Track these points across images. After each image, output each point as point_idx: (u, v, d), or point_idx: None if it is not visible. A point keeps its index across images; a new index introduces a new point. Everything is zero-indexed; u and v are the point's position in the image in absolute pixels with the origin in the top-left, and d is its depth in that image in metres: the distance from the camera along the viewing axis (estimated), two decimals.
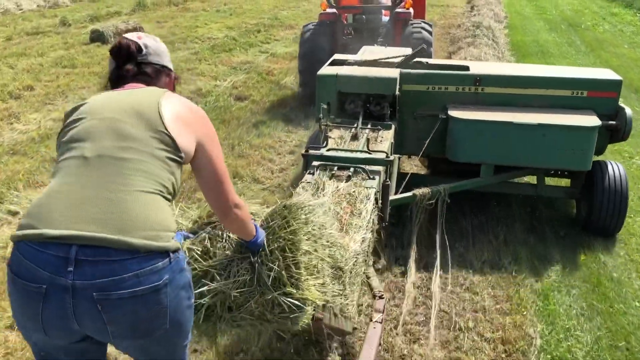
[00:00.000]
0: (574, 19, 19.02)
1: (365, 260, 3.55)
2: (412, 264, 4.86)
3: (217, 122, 8.63)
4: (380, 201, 3.97)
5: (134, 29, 14.83)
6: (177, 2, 21.53)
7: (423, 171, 6.81)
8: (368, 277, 3.90)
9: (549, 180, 5.95)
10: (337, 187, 3.75)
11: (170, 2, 21.37)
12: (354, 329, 3.52)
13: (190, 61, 12.47)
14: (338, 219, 3.35)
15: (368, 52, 6.58)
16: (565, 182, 6.13)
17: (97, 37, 14.21)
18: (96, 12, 18.25)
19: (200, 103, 9.55)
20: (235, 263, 2.55)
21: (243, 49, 13.77)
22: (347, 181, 3.88)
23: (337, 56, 6.25)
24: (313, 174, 3.99)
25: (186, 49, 13.73)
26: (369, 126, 4.93)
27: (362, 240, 3.31)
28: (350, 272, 3.08)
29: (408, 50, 6.57)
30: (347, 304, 3.03)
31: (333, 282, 2.86)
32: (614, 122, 5.25)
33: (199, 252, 2.57)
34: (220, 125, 8.52)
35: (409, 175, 5.42)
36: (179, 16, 18.53)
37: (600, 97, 5.28)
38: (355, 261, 3.18)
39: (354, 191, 3.73)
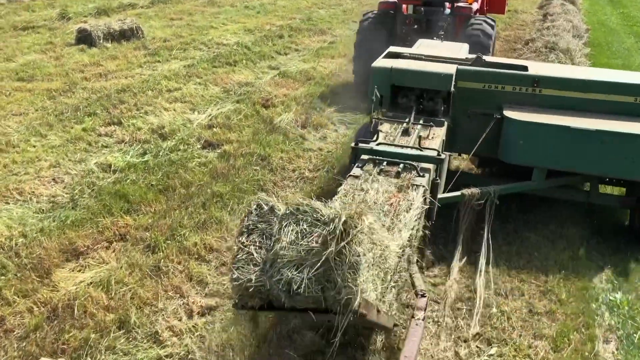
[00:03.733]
0: None
1: (410, 259, 3.54)
2: (455, 265, 4.69)
3: (153, 191, 5.79)
4: (428, 199, 3.83)
5: (130, 30, 12.17)
6: None
7: (473, 169, 6.43)
8: (412, 275, 3.78)
9: (603, 188, 5.76)
10: (386, 182, 3.70)
11: None
12: (395, 325, 3.43)
13: (177, 77, 9.67)
14: (385, 215, 3.35)
15: (424, 45, 6.35)
16: (620, 190, 5.79)
17: (84, 39, 11.58)
18: (107, 3, 15.71)
19: (150, 153, 6.73)
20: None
21: (251, 62, 10.85)
22: (396, 177, 3.80)
23: (392, 48, 6.03)
24: (361, 167, 3.93)
25: (182, 59, 10.93)
26: (421, 122, 4.78)
27: (408, 238, 3.26)
28: (394, 271, 3.09)
29: (465, 46, 6.38)
30: (390, 301, 3.09)
31: (379, 281, 2.85)
32: None
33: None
34: (157, 196, 5.69)
35: (458, 173, 4.96)
36: (198, 12, 15.77)
37: None
38: (400, 259, 3.16)
39: (402, 188, 3.63)
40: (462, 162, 6.45)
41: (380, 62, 5.38)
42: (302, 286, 2.55)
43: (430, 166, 4.02)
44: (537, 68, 5.55)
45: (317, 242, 2.60)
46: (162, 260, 4.69)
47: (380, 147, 4.18)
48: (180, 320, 4.09)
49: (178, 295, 4.35)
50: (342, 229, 2.58)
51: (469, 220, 4.95)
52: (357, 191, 3.62)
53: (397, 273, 3.17)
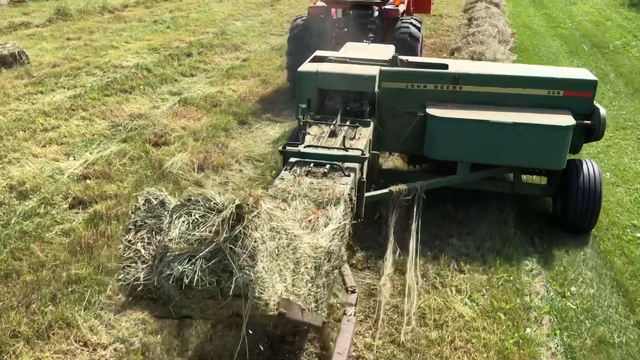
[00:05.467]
0: (597, 35, 14.71)
1: (339, 256, 3.47)
2: (388, 258, 4.61)
3: None
4: (355, 198, 3.86)
5: (12, 55, 10.53)
6: (113, 9, 17.13)
7: (405, 166, 6.49)
8: (342, 273, 3.80)
9: (527, 178, 5.92)
10: (312, 183, 3.69)
11: (104, 8, 16.96)
12: (324, 323, 3.41)
13: (59, 112, 8.19)
14: (311, 216, 3.27)
15: (351, 48, 6.42)
16: (543, 179, 5.94)
17: None
18: None
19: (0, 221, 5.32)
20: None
21: (150, 88, 9.46)
22: (322, 178, 3.81)
23: (318, 52, 6.10)
24: (289, 170, 3.93)
25: (70, 88, 9.43)
26: (348, 123, 4.79)
27: (334, 237, 3.20)
28: (321, 269, 3.03)
29: (391, 47, 6.46)
30: (317, 299, 2.98)
31: (288, 272, 2.70)
32: (589, 122, 5.17)
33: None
34: None
35: (386, 172, 5.36)
36: (101, 29, 14.18)
37: (576, 96, 5.17)
38: (327, 258, 3.10)
39: (328, 188, 3.61)
40: (395, 160, 6.60)
41: (306, 67, 5.42)
42: (195, 279, 2.33)
43: (356, 165, 4.01)
44: (456, 66, 5.63)
45: (210, 231, 2.42)
46: None
47: (307, 149, 4.18)
48: None
49: None
50: (235, 213, 2.41)
51: (399, 215, 4.89)
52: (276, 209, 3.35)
53: (316, 269, 2.99)
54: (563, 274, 4.70)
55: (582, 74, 5.41)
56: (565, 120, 4.92)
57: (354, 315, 3.45)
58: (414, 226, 4.77)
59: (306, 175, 3.83)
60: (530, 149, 4.89)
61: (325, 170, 3.87)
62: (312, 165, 3.95)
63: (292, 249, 2.74)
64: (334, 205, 3.44)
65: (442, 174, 5.34)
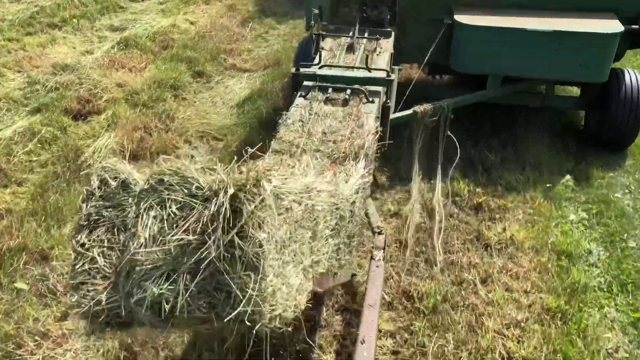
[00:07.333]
0: None
1: (364, 196, 3.01)
2: (414, 187, 4.28)
3: None
4: (379, 125, 3.39)
5: None
6: None
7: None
8: (367, 212, 3.39)
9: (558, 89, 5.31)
10: (325, 134, 3.08)
11: None
12: (353, 275, 3.20)
13: None
14: (335, 152, 2.89)
15: None
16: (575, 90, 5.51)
17: None
18: None
19: None
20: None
21: (86, 21, 7.33)
22: (344, 106, 3.37)
23: None
24: (305, 96, 3.44)
25: None
26: (366, 35, 4.36)
27: (357, 192, 2.71)
28: (350, 220, 2.60)
29: None
30: (340, 253, 2.52)
31: (322, 236, 2.24)
32: (636, 27, 4.53)
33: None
34: None
35: (410, 88, 4.36)
36: None
37: None
38: (354, 202, 2.65)
39: (344, 139, 3.02)
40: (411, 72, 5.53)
41: None
42: (179, 304, 1.65)
43: (380, 89, 3.54)
44: None
45: (194, 231, 1.71)
46: None
47: (324, 71, 3.64)
48: None
49: None
50: (229, 206, 1.66)
51: (424, 138, 4.44)
52: (283, 167, 2.56)
53: (339, 218, 2.40)
54: None
55: None
56: (612, 26, 4.39)
57: (383, 259, 3.08)
58: (440, 150, 4.47)
59: (324, 102, 3.36)
60: (570, 60, 4.44)
61: (347, 97, 3.41)
62: (330, 90, 3.47)
63: (308, 212, 2.16)
64: (353, 160, 2.88)
65: (467, 87, 4.94)
